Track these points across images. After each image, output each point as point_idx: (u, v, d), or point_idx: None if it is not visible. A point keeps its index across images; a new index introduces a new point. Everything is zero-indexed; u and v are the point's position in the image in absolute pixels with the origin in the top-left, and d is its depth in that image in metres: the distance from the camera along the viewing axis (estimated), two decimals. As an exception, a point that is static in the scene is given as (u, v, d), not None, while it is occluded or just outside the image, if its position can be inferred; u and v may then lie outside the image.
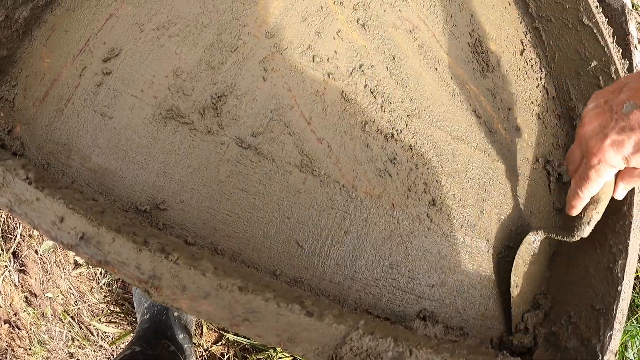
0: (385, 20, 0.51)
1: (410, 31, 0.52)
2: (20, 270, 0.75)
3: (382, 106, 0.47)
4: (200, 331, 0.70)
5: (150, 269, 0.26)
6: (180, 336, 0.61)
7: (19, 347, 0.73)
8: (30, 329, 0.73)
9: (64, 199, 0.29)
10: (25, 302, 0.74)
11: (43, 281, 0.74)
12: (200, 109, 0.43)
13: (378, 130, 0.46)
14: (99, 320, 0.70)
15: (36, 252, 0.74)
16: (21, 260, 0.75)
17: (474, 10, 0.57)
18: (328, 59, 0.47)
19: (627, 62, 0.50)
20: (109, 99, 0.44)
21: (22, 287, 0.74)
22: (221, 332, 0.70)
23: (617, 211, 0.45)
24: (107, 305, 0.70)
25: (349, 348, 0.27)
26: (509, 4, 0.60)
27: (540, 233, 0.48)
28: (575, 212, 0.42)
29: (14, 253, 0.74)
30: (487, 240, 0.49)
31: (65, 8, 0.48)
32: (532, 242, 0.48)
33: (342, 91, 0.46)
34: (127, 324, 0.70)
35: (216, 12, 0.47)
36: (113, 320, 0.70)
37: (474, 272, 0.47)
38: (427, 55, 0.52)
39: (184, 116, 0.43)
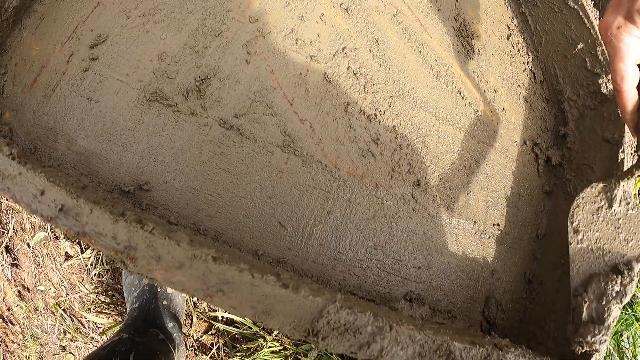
0: (368, 5, 0.51)
1: (394, 15, 0.52)
2: (13, 265, 0.75)
3: (364, 87, 0.47)
4: (190, 321, 0.70)
5: (126, 239, 0.26)
6: (170, 325, 0.61)
7: (12, 342, 0.73)
8: (23, 323, 0.73)
9: (44, 173, 0.29)
10: (18, 296, 0.75)
11: (35, 274, 0.74)
12: (184, 92, 0.44)
13: (361, 111, 0.46)
14: (89, 309, 0.70)
15: (28, 245, 0.74)
16: (14, 254, 0.75)
17: (459, -4, 0.57)
18: (311, 42, 0.48)
19: (612, 41, 0.49)
20: (95, 83, 0.44)
21: (15, 281, 0.75)
22: (211, 322, 0.70)
23: None
24: (97, 296, 0.70)
25: (325, 322, 0.26)
26: (495, -10, 0.60)
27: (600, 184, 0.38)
28: (631, 116, 0.36)
29: (6, 247, 0.74)
30: (475, 222, 0.48)
31: (54, -3, 0.49)
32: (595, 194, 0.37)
33: (325, 73, 0.47)
34: (117, 314, 0.70)
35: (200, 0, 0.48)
36: (103, 311, 0.70)
37: (462, 255, 0.47)
38: (410, 38, 0.52)
39: (168, 98, 0.43)
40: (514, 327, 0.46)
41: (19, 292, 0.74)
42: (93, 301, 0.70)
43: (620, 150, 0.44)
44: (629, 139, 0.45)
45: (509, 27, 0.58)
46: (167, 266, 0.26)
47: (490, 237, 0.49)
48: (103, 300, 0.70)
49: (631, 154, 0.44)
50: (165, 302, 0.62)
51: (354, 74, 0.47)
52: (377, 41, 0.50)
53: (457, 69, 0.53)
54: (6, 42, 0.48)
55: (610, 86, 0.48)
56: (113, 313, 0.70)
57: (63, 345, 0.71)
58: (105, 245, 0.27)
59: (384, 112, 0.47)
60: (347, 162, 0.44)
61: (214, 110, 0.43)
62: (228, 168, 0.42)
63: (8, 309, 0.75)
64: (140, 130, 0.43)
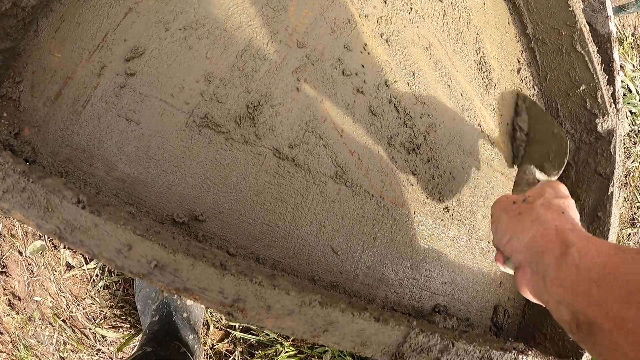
0: (405, 37, 0.54)
1: (427, 48, 0.55)
2: (1, 272, 0.68)
3: (404, 121, 0.50)
4: (206, 329, 0.70)
5: (234, 292, 0.27)
6: (190, 337, 0.62)
7: (1, 352, 0.68)
8: (14, 333, 0.68)
9: (127, 225, 0.28)
10: (8, 305, 0.68)
11: (28, 283, 0.68)
12: (237, 118, 0.43)
13: (401, 144, 0.50)
14: (99, 325, 0.67)
15: (20, 252, 0.67)
16: (2, 262, 0.68)
17: (479, 29, 0.62)
18: (356, 73, 0.49)
19: (612, 88, 0.58)
20: (134, 102, 0.42)
21: (3, 289, 0.68)
22: (227, 329, 0.71)
23: (596, 219, 0.54)
24: (109, 309, 0.67)
25: (408, 345, 0.31)
26: (509, 23, 0.66)
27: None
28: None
29: (-8, 254, 0.67)
30: (488, 242, 0.56)
31: (75, -3, 0.44)
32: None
33: (370, 105, 0.49)
34: (130, 326, 0.68)
35: (246, 16, 0.46)
36: (115, 324, 0.67)
37: (477, 270, 0.54)
38: (441, 72, 0.56)
39: (220, 125, 0.43)
40: (516, 330, 0.56)
41: (9, 300, 0.67)
42: (105, 315, 0.67)
43: (611, 184, 0.54)
44: (618, 174, 0.54)
45: (519, 61, 0.65)
46: (277, 314, 0.28)
47: (500, 254, 0.57)
48: (115, 313, 0.68)
49: (619, 187, 0.54)
50: (185, 315, 0.62)
51: (395, 108, 0.50)
52: (414, 74, 0.53)
53: (477, 103, 0.58)
54: (20, 45, 0.42)
55: (605, 125, 0.57)
56: (124, 325, 0.67)
57: (62, 356, 0.68)
58: (210, 300, 0.28)
59: (420, 145, 0.51)
60: (390, 192, 0.48)
61: (268, 139, 0.44)
62: (284, 198, 0.43)
63: None
64: (191, 158, 0.42)
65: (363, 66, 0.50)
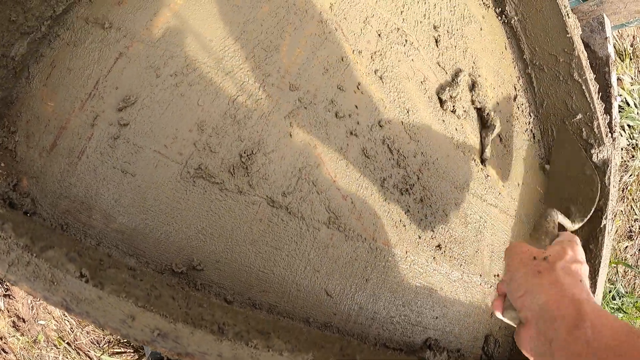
0: (399, 72, 0.53)
1: (422, 82, 0.55)
2: (5, 295, 0.70)
3: (397, 162, 0.51)
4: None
5: (231, 355, 0.29)
6: None
7: (9, 371, 0.71)
8: (20, 354, 0.71)
9: (130, 297, 0.30)
10: (13, 327, 0.71)
11: (32, 307, 0.70)
12: (230, 168, 0.44)
13: (394, 185, 0.50)
14: (103, 350, 0.69)
15: (23, 278, 0.69)
16: (5, 285, 0.70)
17: (475, 57, 0.61)
18: (350, 114, 0.49)
19: (608, 117, 0.58)
20: (129, 154, 0.42)
21: (8, 311, 0.70)
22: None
23: (587, 252, 0.55)
24: (114, 336, 0.70)
25: None
26: (505, 48, 0.65)
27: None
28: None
29: (-4, 279, 0.68)
30: (481, 275, 0.57)
31: (66, 41, 0.43)
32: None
33: (363, 147, 0.49)
34: (133, 351, 0.70)
35: (237, 58, 0.46)
36: (118, 350, 0.70)
37: (469, 303, 0.56)
38: (435, 107, 0.56)
39: (214, 175, 0.43)
40: (507, 358, 0.58)
41: (14, 322, 0.70)
42: (109, 341, 0.69)
43: (604, 216, 0.55)
44: (612, 206, 0.55)
45: (515, 88, 0.64)
46: None
47: (491, 286, 0.58)
48: (119, 338, 0.70)
49: (612, 219, 0.55)
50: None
51: (389, 148, 0.50)
52: (407, 112, 0.53)
53: (472, 137, 0.58)
54: (12, 93, 0.43)
55: (600, 156, 0.57)
56: (128, 350, 0.70)
57: (69, 376, 0.71)
58: (208, 364, 0.30)
59: (414, 185, 0.51)
60: (382, 234, 0.49)
61: (261, 188, 0.44)
62: (278, 246, 0.44)
63: (1, 338, 0.71)
64: (187, 209, 0.43)
65: (356, 107, 0.50)
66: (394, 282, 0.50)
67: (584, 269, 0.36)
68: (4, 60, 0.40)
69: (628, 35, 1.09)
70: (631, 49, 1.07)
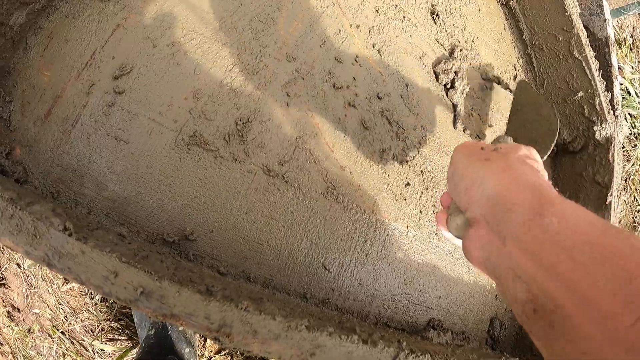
0: (398, 46, 0.53)
1: (420, 57, 0.55)
2: (0, 284, 0.69)
3: (397, 134, 0.50)
4: (203, 341, 0.71)
5: (220, 318, 0.27)
6: (186, 350, 0.62)
7: (1, 362, 0.69)
8: (14, 344, 0.69)
9: (114, 252, 0.28)
10: (8, 317, 0.69)
11: (27, 295, 0.69)
12: (225, 135, 0.43)
13: (394, 157, 0.49)
14: (98, 338, 0.68)
15: (18, 265, 0.68)
16: (1, 274, 0.69)
17: (474, 36, 0.61)
18: (347, 86, 0.48)
19: (610, 94, 0.57)
20: (123, 121, 0.42)
21: (3, 301, 0.69)
22: (226, 339, 0.71)
23: None
24: (107, 322, 0.68)
25: None
26: (504, 29, 0.65)
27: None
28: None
29: (-9, 266, 0.67)
30: (484, 254, 0.55)
31: (64, 14, 0.43)
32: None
33: (362, 119, 0.48)
34: (127, 338, 0.68)
35: (234, 30, 0.46)
36: (112, 337, 0.68)
37: (473, 283, 0.53)
38: (434, 82, 0.55)
39: (209, 143, 0.42)
40: (513, 342, 0.55)
41: (9, 312, 0.68)
42: (103, 328, 0.67)
43: (609, 193, 0.53)
44: (617, 183, 0.53)
45: (515, 68, 0.64)
46: (264, 339, 0.28)
47: (496, 266, 0.56)
48: (113, 326, 0.68)
49: (617, 196, 0.53)
50: (181, 328, 0.62)
51: (387, 120, 0.49)
52: (406, 86, 0.52)
53: (474, 112, 0.57)
54: (9, 63, 0.42)
55: (603, 133, 0.56)
56: (122, 338, 0.68)
57: (62, 367, 0.69)
58: (197, 325, 0.28)
59: (414, 157, 0.50)
60: (382, 207, 0.48)
61: (257, 156, 0.43)
62: (274, 216, 0.43)
63: None
64: (180, 177, 0.42)
65: (354, 79, 0.49)
66: (395, 257, 0.48)
67: (543, 170, 0.28)
68: (2, 28, 0.40)
69: (628, 26, 1.09)
70: (631, 39, 1.08)
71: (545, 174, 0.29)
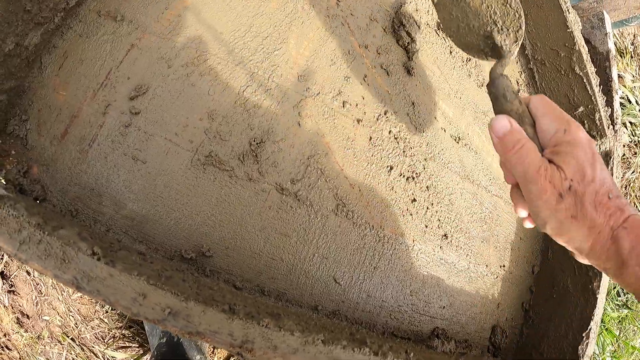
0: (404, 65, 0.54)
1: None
2: (9, 291, 0.70)
3: (404, 151, 0.51)
4: (213, 348, 0.73)
5: (242, 334, 0.29)
6: (197, 357, 0.64)
7: (11, 367, 0.70)
8: (23, 350, 0.70)
9: (141, 275, 0.30)
10: (17, 323, 0.71)
11: (37, 302, 0.70)
12: (240, 155, 0.44)
13: (401, 174, 0.51)
14: (108, 345, 0.69)
15: (28, 272, 0.69)
16: (10, 281, 0.70)
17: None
18: (357, 104, 0.50)
19: (610, 109, 0.59)
20: (140, 141, 0.43)
21: (12, 308, 0.70)
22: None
23: None
24: (118, 330, 0.70)
25: None
26: (506, 45, 0.66)
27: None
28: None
29: (1, 273, 0.68)
30: (487, 266, 0.57)
31: (78, 33, 0.44)
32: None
33: (370, 137, 0.50)
34: (138, 345, 0.70)
35: (247, 50, 0.47)
36: (123, 345, 0.69)
37: (475, 293, 0.56)
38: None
39: (224, 163, 0.44)
40: (514, 349, 0.58)
41: (18, 318, 0.70)
42: (114, 336, 0.69)
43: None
44: None
45: (517, 82, 0.65)
46: (283, 353, 0.30)
47: (497, 277, 0.58)
48: (124, 333, 0.70)
49: None
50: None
51: (395, 138, 0.51)
52: (413, 104, 0.53)
53: (476, 129, 0.59)
54: (24, 82, 0.43)
55: (603, 147, 0.58)
56: (133, 345, 0.70)
57: (73, 373, 0.70)
58: (221, 342, 0.30)
59: (420, 174, 0.52)
60: (390, 222, 0.49)
61: (271, 175, 0.45)
62: (287, 233, 0.45)
63: (5, 335, 0.70)
64: (197, 196, 0.43)
65: (363, 98, 0.51)
66: (402, 270, 0.50)
67: (604, 171, 0.32)
68: (18, 49, 0.41)
69: (629, 34, 1.11)
70: (632, 47, 1.09)
71: (605, 170, 0.33)
